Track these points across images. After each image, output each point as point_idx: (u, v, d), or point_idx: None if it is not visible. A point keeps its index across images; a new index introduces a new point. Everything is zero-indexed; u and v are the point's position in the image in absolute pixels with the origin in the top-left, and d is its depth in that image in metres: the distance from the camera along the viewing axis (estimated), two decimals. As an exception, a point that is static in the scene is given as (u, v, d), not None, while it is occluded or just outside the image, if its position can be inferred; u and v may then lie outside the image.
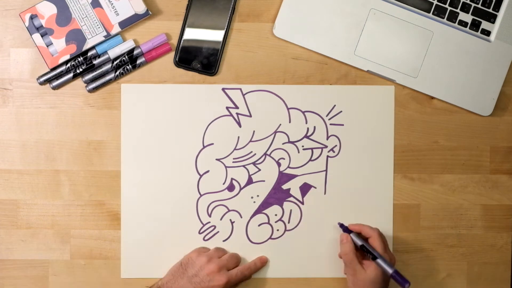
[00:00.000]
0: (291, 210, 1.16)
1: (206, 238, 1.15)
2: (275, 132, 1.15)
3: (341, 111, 1.16)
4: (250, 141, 1.15)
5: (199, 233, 1.15)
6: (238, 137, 1.15)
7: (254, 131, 1.15)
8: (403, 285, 1.05)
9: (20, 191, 1.14)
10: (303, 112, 1.15)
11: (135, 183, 1.14)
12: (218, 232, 1.16)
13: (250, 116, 1.15)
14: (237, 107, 1.15)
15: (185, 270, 1.09)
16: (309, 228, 1.16)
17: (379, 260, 1.08)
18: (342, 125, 1.16)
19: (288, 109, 1.15)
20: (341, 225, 1.14)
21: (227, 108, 1.15)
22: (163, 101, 1.14)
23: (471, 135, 1.18)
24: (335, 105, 1.16)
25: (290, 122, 1.15)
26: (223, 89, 1.15)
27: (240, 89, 1.15)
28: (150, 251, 1.14)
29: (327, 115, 1.16)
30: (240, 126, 1.15)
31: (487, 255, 1.18)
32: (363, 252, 1.11)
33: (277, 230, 1.16)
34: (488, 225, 1.18)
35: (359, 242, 1.11)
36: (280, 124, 1.15)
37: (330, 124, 1.16)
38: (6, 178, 1.14)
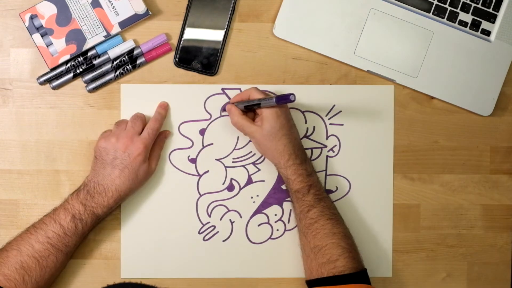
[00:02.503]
0: (290, 210, 1.16)
1: (206, 238, 1.15)
2: (275, 132, 1.15)
3: (340, 111, 1.16)
4: (250, 141, 1.15)
5: (199, 233, 1.15)
6: (238, 137, 1.15)
7: (254, 131, 1.15)
8: (289, 98, 1.00)
9: (20, 191, 1.14)
10: (303, 112, 1.15)
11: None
12: (218, 232, 1.16)
13: (250, 116, 1.15)
14: (237, 107, 1.15)
15: (102, 160, 1.08)
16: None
17: (257, 100, 1.06)
18: (342, 125, 1.16)
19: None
20: (223, 109, 1.14)
21: (227, 108, 1.15)
22: (163, 101, 1.14)
23: (471, 135, 1.18)
24: (334, 105, 1.15)
25: (290, 122, 1.15)
26: (223, 89, 1.15)
27: (240, 89, 1.15)
28: (150, 251, 1.14)
29: (326, 115, 1.16)
30: (240, 126, 1.15)
31: (487, 255, 1.18)
32: (252, 112, 1.10)
33: (277, 230, 1.16)
34: (488, 225, 1.18)
35: (241, 106, 1.10)
36: (280, 124, 1.15)
37: (330, 124, 1.16)
38: (6, 178, 1.14)
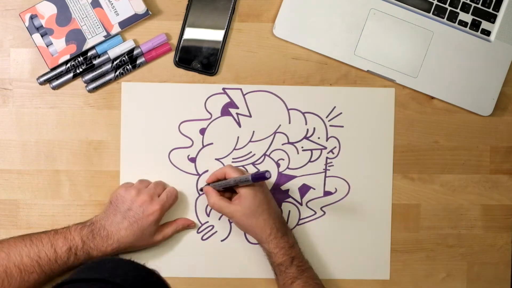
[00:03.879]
0: (289, 211, 1.16)
1: (204, 238, 1.15)
2: (275, 132, 1.15)
3: (341, 113, 1.16)
4: (250, 141, 1.15)
5: (197, 232, 1.15)
6: (238, 137, 1.15)
7: (253, 132, 1.15)
8: (265, 176, 1.00)
9: (20, 191, 1.14)
10: (303, 113, 1.15)
11: (134, 182, 1.14)
12: (216, 231, 1.16)
13: (250, 116, 1.15)
14: (237, 107, 1.15)
15: (116, 206, 1.08)
16: (307, 229, 1.16)
17: (231, 179, 1.06)
18: (342, 126, 1.16)
19: (288, 110, 1.15)
20: (201, 189, 1.14)
21: (227, 108, 1.15)
22: (163, 100, 1.14)
23: (471, 135, 1.18)
24: (335, 107, 1.15)
25: (290, 123, 1.15)
26: (224, 89, 1.15)
27: (241, 89, 1.15)
28: (148, 250, 1.14)
29: (327, 117, 1.16)
30: (240, 126, 1.15)
31: (487, 255, 1.18)
32: (229, 191, 1.10)
33: (277, 230, 1.16)
34: (488, 225, 1.18)
35: (218, 186, 1.10)
36: (280, 125, 1.15)
37: (330, 125, 1.16)
38: (6, 178, 1.14)
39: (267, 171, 0.99)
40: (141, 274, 0.77)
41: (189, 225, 1.14)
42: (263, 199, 1.08)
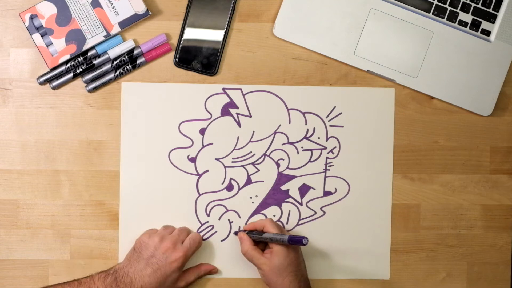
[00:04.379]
0: (289, 211, 1.16)
1: (204, 238, 1.15)
2: (275, 132, 1.15)
3: (341, 113, 1.15)
4: (250, 141, 1.15)
5: (197, 232, 1.15)
6: (238, 137, 1.15)
7: (253, 132, 1.15)
8: (301, 242, 1.00)
9: (20, 191, 1.14)
10: (303, 113, 1.15)
11: (134, 182, 1.14)
12: (216, 232, 1.16)
13: (250, 116, 1.15)
14: (237, 107, 1.15)
15: (139, 253, 1.08)
16: (307, 229, 1.16)
17: (268, 235, 1.07)
18: (342, 126, 1.16)
19: (288, 110, 1.15)
20: (235, 232, 1.15)
21: (227, 108, 1.15)
22: (164, 100, 1.14)
23: (471, 135, 1.18)
24: (335, 107, 1.15)
25: (290, 123, 1.15)
26: (224, 89, 1.15)
27: (241, 89, 1.15)
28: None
29: (327, 117, 1.16)
30: (240, 126, 1.15)
31: (487, 255, 1.18)
32: (264, 244, 1.11)
33: (276, 230, 1.17)
34: (488, 225, 1.18)
35: (253, 236, 1.11)
36: (280, 125, 1.15)
37: (330, 125, 1.16)
38: (6, 178, 1.14)
39: (304, 237, 1.00)
40: None
41: (211, 271, 1.14)
42: (294, 260, 1.08)
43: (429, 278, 1.18)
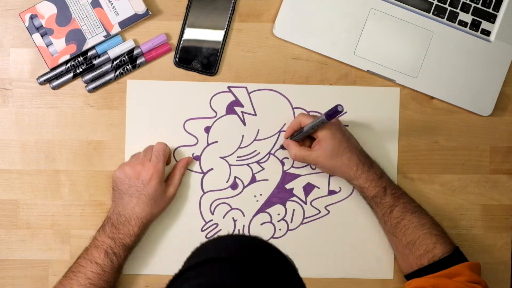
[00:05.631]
0: (294, 210, 1.16)
1: (208, 236, 1.15)
2: (280, 131, 1.15)
3: (345, 112, 1.15)
4: (255, 139, 1.15)
5: (202, 230, 1.15)
6: (243, 135, 1.15)
7: (258, 130, 1.15)
8: (337, 110, 1.00)
9: (20, 191, 1.14)
10: (308, 112, 1.15)
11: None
12: (220, 230, 1.16)
13: (255, 114, 1.15)
14: (242, 106, 1.15)
15: (119, 190, 1.08)
16: (311, 228, 1.16)
17: (306, 127, 1.07)
18: (347, 126, 1.16)
19: (293, 108, 1.15)
20: (281, 146, 1.15)
21: (232, 106, 1.15)
22: (169, 98, 1.14)
23: (471, 135, 1.18)
24: (340, 106, 1.16)
25: (294, 121, 1.15)
26: (229, 87, 1.15)
27: (246, 87, 1.15)
28: (152, 247, 1.14)
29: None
30: (244, 124, 1.15)
31: (487, 255, 1.18)
32: (308, 138, 1.11)
33: (280, 229, 1.16)
34: (488, 225, 1.18)
35: (296, 137, 1.11)
36: (285, 124, 1.15)
37: (335, 124, 1.16)
38: (6, 178, 1.14)
39: (338, 104, 1.00)
40: (243, 241, 0.76)
41: (188, 162, 1.14)
42: (342, 137, 1.08)
43: (429, 278, 1.18)
